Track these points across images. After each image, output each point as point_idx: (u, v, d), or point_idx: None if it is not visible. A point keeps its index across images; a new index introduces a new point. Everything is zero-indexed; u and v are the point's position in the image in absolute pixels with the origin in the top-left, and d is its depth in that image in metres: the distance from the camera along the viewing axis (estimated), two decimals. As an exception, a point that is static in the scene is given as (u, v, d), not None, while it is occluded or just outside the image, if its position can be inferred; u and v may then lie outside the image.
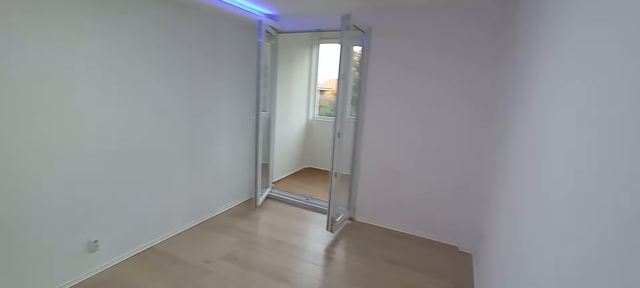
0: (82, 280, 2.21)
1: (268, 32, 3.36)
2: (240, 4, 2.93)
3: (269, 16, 3.38)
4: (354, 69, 3.18)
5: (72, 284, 2.16)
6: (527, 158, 1.40)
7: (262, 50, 3.20)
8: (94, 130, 2.16)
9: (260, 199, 3.66)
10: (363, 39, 3.10)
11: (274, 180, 4.24)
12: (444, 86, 2.86)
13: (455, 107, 2.84)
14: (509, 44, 2.41)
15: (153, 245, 2.71)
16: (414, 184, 3.11)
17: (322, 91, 5.70)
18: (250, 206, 3.63)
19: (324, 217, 3.23)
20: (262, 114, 3.47)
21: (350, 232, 3.20)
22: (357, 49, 3.16)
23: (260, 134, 3.42)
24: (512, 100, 1.99)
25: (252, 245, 2.83)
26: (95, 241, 2.28)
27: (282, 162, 4.58)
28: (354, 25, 2.80)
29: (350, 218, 3.45)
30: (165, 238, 2.82)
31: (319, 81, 5.28)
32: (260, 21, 3.13)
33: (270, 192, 3.95)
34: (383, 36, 3.05)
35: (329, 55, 5.30)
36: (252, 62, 3.48)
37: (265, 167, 3.87)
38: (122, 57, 2.26)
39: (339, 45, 2.69)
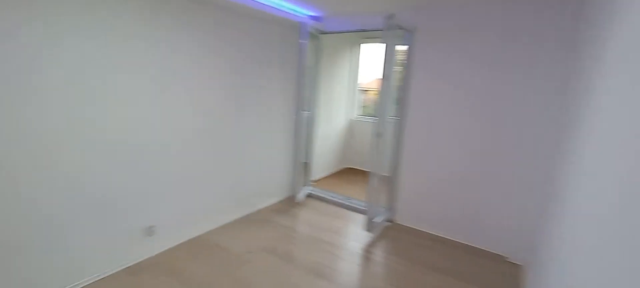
0: (140, 260, 2.45)
1: (311, 33, 3.44)
2: (284, 7, 3.04)
3: (312, 17, 3.46)
4: (399, 67, 3.12)
5: (132, 263, 2.40)
6: (604, 160, 1.28)
7: (305, 51, 3.29)
8: (155, 126, 2.39)
9: (300, 197, 3.75)
10: (407, 38, 3.04)
11: (314, 179, 4.32)
12: (495, 86, 2.70)
13: (508, 108, 2.67)
14: (586, 33, 2.21)
15: (200, 234, 2.90)
16: (460, 188, 2.97)
17: (365, 91, 5.68)
18: (290, 203, 3.74)
19: (363, 217, 3.22)
20: (304, 113, 3.55)
21: (390, 234, 3.15)
22: (402, 47, 3.10)
23: (301, 133, 3.50)
24: (584, 98, 1.83)
25: (291, 240, 2.91)
26: (152, 226, 2.52)
27: (322, 161, 4.64)
28: (398, 25, 2.75)
29: (390, 220, 3.39)
30: (212, 229, 3.01)
31: (361, 80, 5.26)
32: (303, 23, 3.22)
33: (311, 190, 4.02)
34: (429, 34, 2.96)
35: (372, 54, 5.26)
36: (295, 62, 3.58)
37: (306, 166, 3.96)
38: (180, 61, 2.46)
39: (382, 45, 2.67)
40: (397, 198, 3.35)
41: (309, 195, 3.97)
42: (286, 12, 3.08)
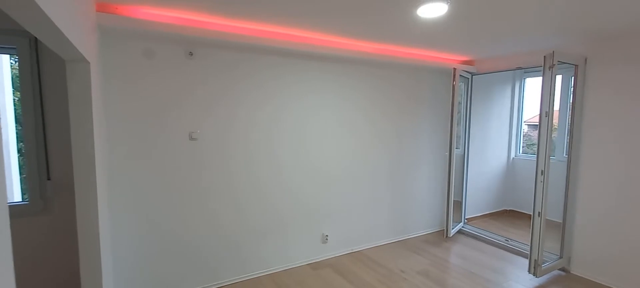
0: (318, 260, 3.18)
1: (462, 75, 3.67)
2: (437, 57, 3.45)
3: (464, 62, 3.71)
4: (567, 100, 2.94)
5: (313, 261, 3.15)
6: None
7: (456, 93, 3.54)
8: (334, 158, 3.19)
9: (452, 232, 3.81)
10: (576, 71, 2.86)
11: (467, 217, 4.25)
12: None
13: None
14: None
15: (361, 249, 3.45)
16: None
17: (535, 126, 5.19)
18: (440, 236, 3.85)
19: (526, 261, 3.01)
20: (455, 151, 3.72)
21: (563, 282, 2.81)
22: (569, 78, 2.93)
23: (452, 170, 3.66)
24: None
25: (444, 268, 3.06)
26: (327, 235, 3.25)
27: (476, 200, 4.51)
28: (561, 61, 2.68)
29: (563, 269, 3.00)
30: (370, 247, 3.51)
31: (526, 116, 4.89)
32: (454, 69, 3.52)
33: (462, 227, 4.01)
34: (607, 65, 2.71)
35: (538, 88, 4.85)
36: (447, 102, 3.86)
37: (458, 204, 4.00)
38: (353, 108, 3.25)
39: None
40: (573, 245, 2.97)
41: (461, 232, 3.96)
42: (439, 61, 3.49)
